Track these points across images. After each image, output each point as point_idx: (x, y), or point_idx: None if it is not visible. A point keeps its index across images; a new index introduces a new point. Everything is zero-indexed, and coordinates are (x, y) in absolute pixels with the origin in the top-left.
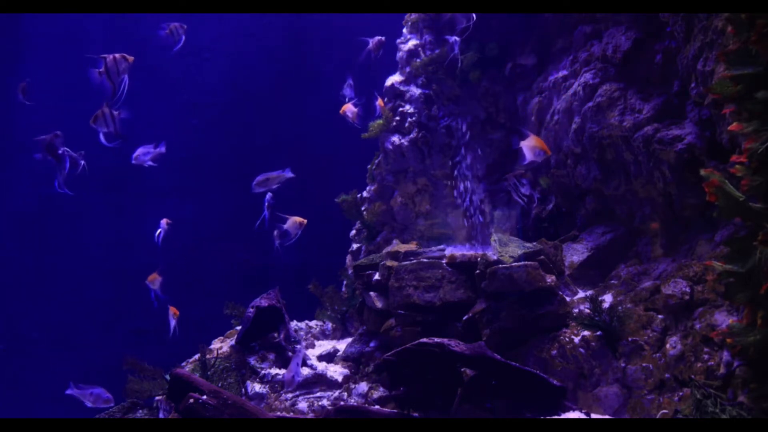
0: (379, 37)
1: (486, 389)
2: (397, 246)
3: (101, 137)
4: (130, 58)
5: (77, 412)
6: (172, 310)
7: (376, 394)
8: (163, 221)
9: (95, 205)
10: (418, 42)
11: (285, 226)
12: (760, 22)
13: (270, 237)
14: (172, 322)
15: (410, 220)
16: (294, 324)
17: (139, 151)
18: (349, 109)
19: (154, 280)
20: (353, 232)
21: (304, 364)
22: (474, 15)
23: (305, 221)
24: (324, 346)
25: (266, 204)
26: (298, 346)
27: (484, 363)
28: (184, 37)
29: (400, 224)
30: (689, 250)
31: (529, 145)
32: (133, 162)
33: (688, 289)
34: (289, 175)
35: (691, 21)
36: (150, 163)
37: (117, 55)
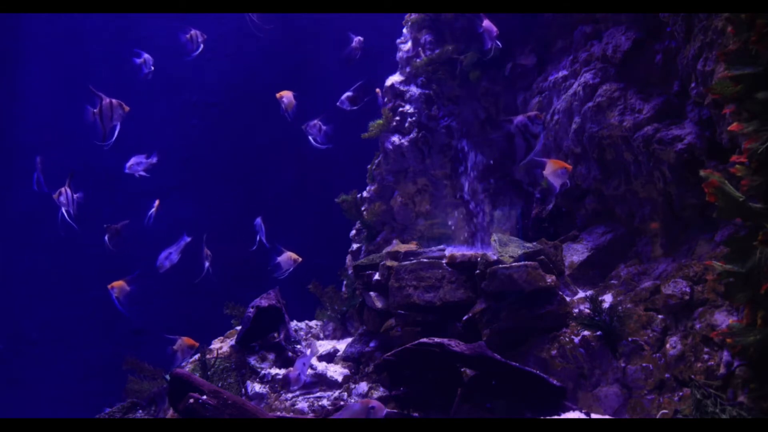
0: (359, 38)
1: (486, 389)
2: (397, 246)
3: (61, 213)
4: (126, 108)
5: (77, 412)
6: (189, 342)
7: (376, 394)
8: (156, 202)
9: (95, 205)
10: (418, 42)
11: (279, 259)
12: (760, 22)
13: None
14: (186, 353)
15: (410, 220)
16: (294, 324)
17: (132, 160)
18: (286, 96)
19: (119, 288)
20: (353, 232)
21: None
22: (499, 43)
23: (300, 259)
24: (324, 346)
25: (259, 228)
26: (299, 347)
27: (484, 363)
28: (202, 46)
29: (400, 224)
30: (689, 250)
31: (551, 172)
32: (126, 171)
33: (688, 289)
34: (187, 239)
35: (691, 21)
36: (142, 173)
37: (114, 101)
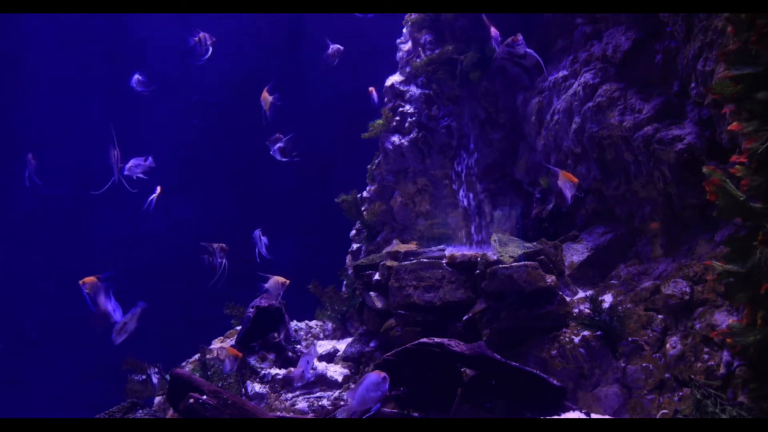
0: (338, 46)
1: (486, 389)
2: (397, 246)
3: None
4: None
5: (77, 412)
6: (233, 352)
7: None
8: (158, 188)
9: (95, 204)
10: (418, 42)
11: (266, 286)
12: (760, 22)
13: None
14: (233, 363)
15: (410, 220)
16: (294, 324)
17: (132, 162)
18: (264, 98)
19: (90, 284)
20: (353, 232)
21: None
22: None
23: (287, 282)
24: (324, 346)
25: (259, 239)
26: (299, 347)
27: (484, 363)
28: (211, 50)
29: (400, 224)
30: (689, 250)
31: (563, 182)
32: (126, 173)
33: (688, 289)
34: (143, 305)
35: (691, 21)
36: (140, 175)
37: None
